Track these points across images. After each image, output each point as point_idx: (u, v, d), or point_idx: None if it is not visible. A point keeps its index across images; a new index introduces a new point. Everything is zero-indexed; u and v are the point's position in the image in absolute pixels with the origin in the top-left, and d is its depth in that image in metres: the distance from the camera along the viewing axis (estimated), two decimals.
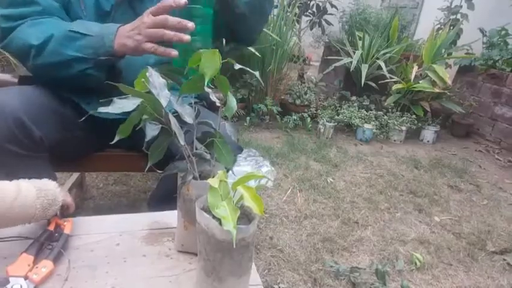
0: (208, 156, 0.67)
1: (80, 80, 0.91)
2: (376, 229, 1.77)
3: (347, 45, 3.54)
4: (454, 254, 1.64)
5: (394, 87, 3.19)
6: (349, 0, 4.15)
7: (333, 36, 4.14)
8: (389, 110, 3.28)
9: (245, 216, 0.58)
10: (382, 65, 3.17)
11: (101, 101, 0.58)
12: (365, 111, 3.20)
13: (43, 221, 0.71)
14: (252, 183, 0.55)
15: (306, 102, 3.29)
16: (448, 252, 1.65)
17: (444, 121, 3.52)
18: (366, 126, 3.05)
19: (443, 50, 3.34)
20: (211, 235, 0.53)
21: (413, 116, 3.19)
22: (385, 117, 3.17)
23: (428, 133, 3.22)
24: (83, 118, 0.74)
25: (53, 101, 0.95)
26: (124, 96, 0.58)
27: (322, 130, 3.03)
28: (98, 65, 0.87)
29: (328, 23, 4.16)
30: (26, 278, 0.59)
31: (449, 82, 3.12)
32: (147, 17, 0.81)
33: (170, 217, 0.81)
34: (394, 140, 3.15)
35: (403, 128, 3.10)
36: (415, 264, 1.52)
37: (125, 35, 0.83)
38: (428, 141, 3.23)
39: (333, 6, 4.05)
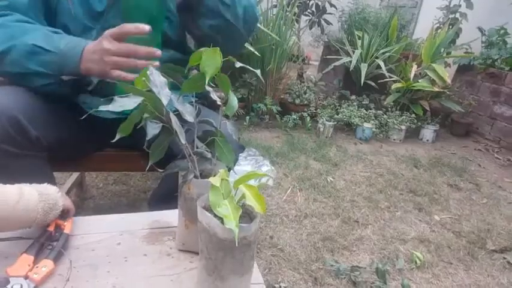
0: (209, 155, 0.67)
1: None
2: (376, 228, 1.77)
3: (346, 44, 3.54)
4: (454, 253, 1.64)
5: (394, 86, 3.19)
6: (348, 0, 4.14)
7: (332, 36, 4.14)
8: (389, 109, 3.28)
9: (247, 215, 0.58)
10: (382, 64, 3.17)
11: (102, 99, 0.58)
12: (364, 111, 3.20)
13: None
14: (252, 182, 0.54)
15: (306, 102, 3.29)
16: (448, 251, 1.65)
17: (443, 120, 3.53)
18: (366, 125, 3.05)
19: (442, 49, 3.34)
20: (213, 234, 0.53)
21: (413, 115, 3.19)
22: (385, 116, 3.17)
23: (428, 132, 3.22)
24: (83, 117, 0.74)
25: (48, 100, 0.93)
26: (124, 95, 0.58)
27: (321, 129, 3.03)
28: (61, 82, 0.85)
29: (328, 23, 4.15)
30: (26, 277, 0.59)
31: (449, 81, 3.12)
32: (109, 43, 0.78)
33: (171, 216, 0.81)
34: (394, 139, 3.15)
35: (403, 127, 3.10)
36: (415, 263, 1.52)
37: (89, 58, 0.80)
38: (427, 140, 3.23)
39: (332, 5, 4.05)
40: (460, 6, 3.62)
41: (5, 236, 0.67)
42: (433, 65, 3.13)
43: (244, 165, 2.13)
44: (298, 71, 3.76)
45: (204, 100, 1.17)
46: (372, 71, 3.35)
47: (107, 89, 0.88)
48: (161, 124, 0.61)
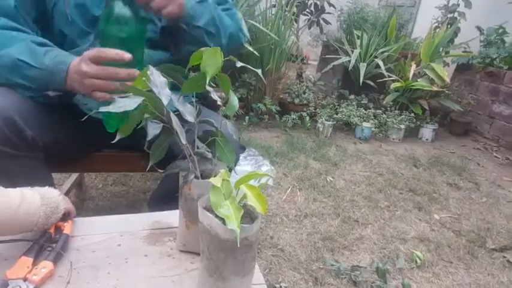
0: (209, 155, 0.67)
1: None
2: (376, 227, 1.77)
3: (345, 44, 3.54)
4: (454, 252, 1.64)
5: (393, 85, 3.19)
6: None
7: (331, 35, 4.13)
8: (388, 108, 3.28)
9: (248, 216, 0.58)
10: (381, 63, 3.17)
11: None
12: (364, 110, 3.20)
13: None
14: (252, 182, 0.54)
15: (305, 101, 3.28)
16: (448, 250, 1.65)
17: (442, 119, 3.53)
18: (365, 124, 3.05)
19: (441, 49, 3.34)
20: (215, 234, 0.53)
21: (412, 115, 3.19)
22: (384, 115, 3.17)
23: (427, 131, 3.23)
24: (83, 119, 0.74)
25: (45, 101, 0.92)
26: (125, 95, 0.58)
27: (321, 129, 3.03)
28: (46, 95, 0.85)
29: (326, 22, 4.15)
30: (25, 279, 0.59)
31: (448, 80, 3.12)
32: (87, 66, 0.76)
33: (171, 217, 0.81)
34: (393, 139, 3.15)
35: (402, 126, 3.10)
36: (416, 262, 1.52)
37: (73, 77, 0.78)
38: (426, 139, 3.23)
39: (330, 5, 4.05)
40: (458, 5, 3.62)
41: (3, 238, 0.67)
42: (432, 64, 3.13)
43: (244, 165, 2.12)
44: (297, 70, 3.76)
45: (203, 100, 1.17)
46: (371, 71, 3.35)
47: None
48: (162, 124, 0.61)
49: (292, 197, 1.98)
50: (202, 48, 0.57)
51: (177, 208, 0.71)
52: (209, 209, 0.55)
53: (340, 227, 1.73)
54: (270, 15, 3.09)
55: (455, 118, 3.51)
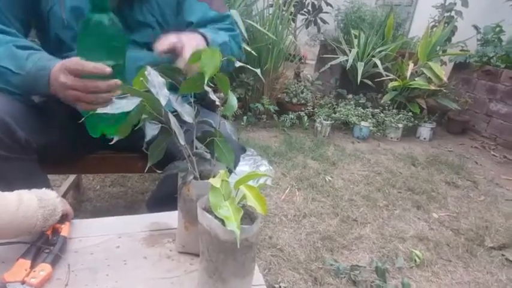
0: (208, 156, 0.66)
1: None
2: (375, 227, 1.77)
3: (343, 43, 3.54)
4: (453, 250, 1.64)
5: (390, 84, 3.20)
6: None
7: (328, 35, 4.14)
8: (386, 107, 3.28)
9: (247, 216, 0.57)
10: (378, 62, 3.17)
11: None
12: (361, 109, 3.21)
13: None
14: (251, 182, 0.54)
15: (303, 101, 3.28)
16: (447, 249, 1.65)
17: (440, 118, 3.53)
18: (363, 124, 3.06)
19: (438, 47, 3.35)
20: (214, 236, 0.53)
21: (410, 113, 3.19)
22: (382, 114, 3.18)
23: (425, 130, 3.23)
24: (80, 121, 0.73)
25: (37, 103, 0.91)
26: (122, 96, 0.57)
27: (319, 128, 3.03)
28: (29, 98, 0.84)
29: (324, 22, 4.15)
30: (23, 282, 0.58)
31: (445, 79, 3.13)
32: (65, 77, 0.74)
33: (170, 218, 0.80)
34: (391, 138, 3.15)
35: (400, 125, 3.10)
36: (415, 261, 1.52)
37: (53, 84, 0.77)
38: (424, 138, 3.24)
39: (328, 4, 4.05)
40: (455, 4, 3.63)
41: (0, 240, 0.66)
42: (429, 63, 3.13)
43: (243, 165, 2.12)
44: (295, 70, 3.76)
45: (201, 101, 1.17)
46: (369, 70, 3.35)
47: None
48: (160, 125, 0.60)
49: (290, 196, 1.98)
50: (201, 49, 0.57)
51: (175, 209, 0.70)
52: (208, 210, 0.55)
53: (339, 227, 1.73)
54: (268, 14, 3.09)
55: (453, 117, 3.52)
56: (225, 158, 0.65)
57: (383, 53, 3.33)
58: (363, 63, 3.21)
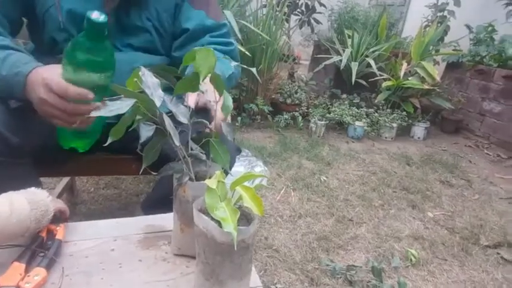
0: (203, 157, 0.66)
1: None
2: (370, 226, 1.77)
3: (336, 43, 3.55)
4: (449, 249, 1.65)
5: (384, 84, 3.21)
6: None
7: (322, 35, 4.15)
8: (380, 107, 3.30)
9: (244, 217, 0.57)
10: (372, 62, 3.19)
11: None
12: (356, 109, 3.22)
13: None
14: (246, 183, 0.53)
15: (297, 101, 3.29)
16: (443, 248, 1.66)
17: (434, 117, 3.56)
18: (357, 123, 3.06)
19: (431, 47, 3.38)
20: (211, 237, 0.52)
21: (404, 113, 3.21)
22: (376, 114, 3.19)
23: (419, 130, 3.25)
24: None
25: (28, 107, 0.91)
26: (116, 97, 0.56)
27: (313, 129, 3.03)
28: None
29: (317, 22, 4.16)
30: (17, 287, 0.57)
31: (438, 78, 3.15)
32: (46, 93, 0.71)
33: (165, 220, 0.80)
34: (385, 137, 3.17)
35: (394, 125, 3.11)
36: (411, 260, 1.53)
37: (30, 93, 0.74)
38: (418, 137, 3.25)
39: (321, 5, 4.06)
40: (447, 3, 3.66)
41: None
42: (423, 62, 3.15)
43: (237, 166, 2.11)
44: (289, 70, 3.76)
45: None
46: (363, 70, 3.36)
47: None
48: (154, 126, 0.59)
49: (286, 197, 1.98)
50: (195, 49, 0.56)
51: (171, 211, 0.70)
52: (204, 211, 0.54)
53: (334, 227, 1.73)
54: (261, 15, 3.09)
55: (447, 116, 3.54)
56: (221, 158, 0.65)
57: (376, 52, 3.35)
58: (356, 63, 3.22)
